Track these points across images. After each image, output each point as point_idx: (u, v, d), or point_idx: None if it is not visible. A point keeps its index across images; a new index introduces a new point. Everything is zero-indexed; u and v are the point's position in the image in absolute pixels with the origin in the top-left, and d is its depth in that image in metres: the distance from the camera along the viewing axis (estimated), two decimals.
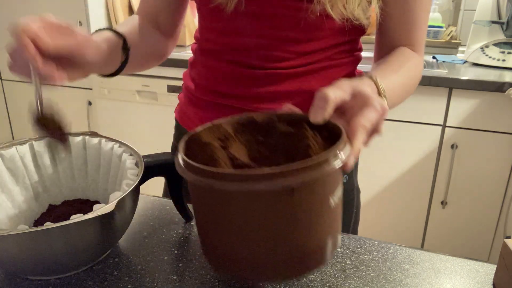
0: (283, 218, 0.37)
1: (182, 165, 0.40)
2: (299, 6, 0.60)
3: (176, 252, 0.55)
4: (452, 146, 1.62)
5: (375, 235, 1.84)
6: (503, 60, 1.74)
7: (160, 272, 0.51)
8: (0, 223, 0.54)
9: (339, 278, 0.50)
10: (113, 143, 0.60)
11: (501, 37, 1.78)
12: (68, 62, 0.53)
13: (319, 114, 0.42)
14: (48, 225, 0.42)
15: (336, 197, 0.40)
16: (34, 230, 0.42)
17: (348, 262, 0.53)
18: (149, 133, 1.99)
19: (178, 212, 0.61)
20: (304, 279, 0.50)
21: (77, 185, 0.63)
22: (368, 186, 1.77)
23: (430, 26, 2.01)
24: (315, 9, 0.58)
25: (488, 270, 0.53)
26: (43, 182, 0.60)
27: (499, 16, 1.77)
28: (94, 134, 0.61)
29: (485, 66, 1.77)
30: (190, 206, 0.62)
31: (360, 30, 0.67)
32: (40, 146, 0.60)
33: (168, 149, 0.84)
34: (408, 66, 0.63)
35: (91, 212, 0.43)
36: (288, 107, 0.50)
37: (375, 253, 0.55)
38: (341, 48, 0.67)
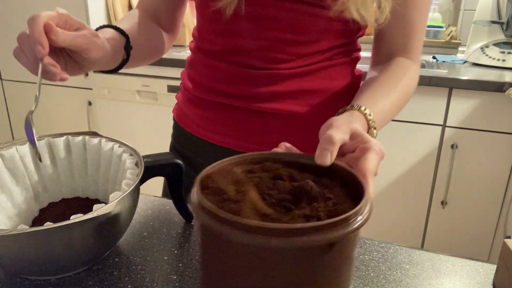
0: (317, 272, 0.35)
1: (217, 222, 0.34)
2: (298, 9, 0.60)
3: (176, 252, 0.55)
4: (452, 146, 1.62)
5: (375, 235, 1.84)
6: (503, 60, 1.74)
7: (160, 272, 0.51)
8: (0, 223, 0.54)
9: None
10: (113, 143, 0.60)
11: (501, 37, 1.78)
12: (71, 56, 0.53)
13: (327, 157, 0.42)
14: (48, 225, 0.42)
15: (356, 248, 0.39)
16: (34, 230, 0.42)
17: None
18: (149, 133, 1.99)
19: (178, 212, 0.61)
20: None
21: (77, 185, 0.63)
22: None
23: (430, 26, 2.01)
24: (332, 14, 0.58)
25: (488, 270, 0.53)
26: (43, 182, 0.60)
27: (499, 16, 1.77)
28: (94, 134, 0.61)
29: (485, 66, 1.77)
30: (190, 206, 0.62)
31: (359, 31, 0.67)
32: (40, 146, 0.60)
33: (168, 149, 0.84)
34: (401, 84, 0.63)
35: (91, 212, 0.43)
36: (285, 146, 0.49)
37: (375, 253, 0.55)
38: (341, 49, 0.67)
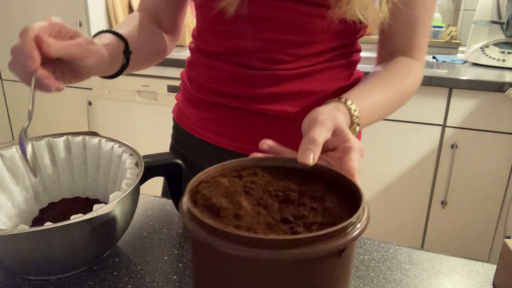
0: (328, 280, 0.35)
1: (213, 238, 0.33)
2: (300, 10, 0.60)
3: (176, 252, 0.55)
4: (452, 146, 1.62)
5: (375, 235, 1.84)
6: (503, 60, 1.74)
7: (160, 272, 0.51)
8: (0, 223, 0.54)
9: None
10: (113, 143, 0.60)
11: (501, 37, 1.78)
12: (68, 65, 0.53)
13: (309, 157, 0.43)
14: (48, 225, 0.42)
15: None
16: (34, 230, 0.42)
17: None
18: (149, 133, 1.99)
19: (178, 212, 0.61)
20: None
21: (77, 185, 0.63)
22: (368, 186, 1.77)
23: None
24: (334, 15, 0.58)
25: (488, 270, 0.53)
26: (43, 182, 0.60)
27: (499, 16, 1.77)
28: (94, 134, 0.61)
29: (485, 66, 1.77)
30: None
31: (359, 31, 0.67)
32: (40, 146, 0.60)
33: (168, 149, 0.84)
34: (398, 82, 0.63)
35: (91, 212, 0.43)
36: (267, 144, 0.49)
37: (375, 253, 0.55)
38: (341, 50, 0.67)
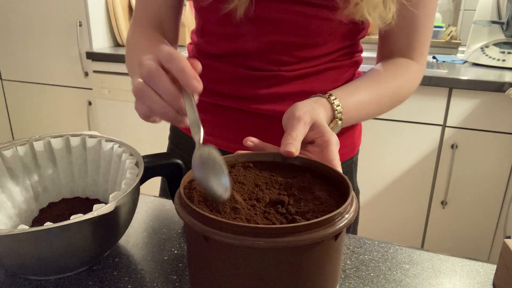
0: (327, 264, 0.36)
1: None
2: (306, 12, 0.59)
3: (176, 252, 0.55)
4: (452, 146, 1.62)
5: (375, 235, 1.84)
6: (503, 60, 1.74)
7: (160, 272, 0.51)
8: (0, 223, 0.54)
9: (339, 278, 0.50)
10: (113, 143, 0.60)
11: (501, 37, 1.78)
12: None
13: (292, 149, 0.45)
14: (48, 225, 0.42)
15: None
16: (34, 230, 0.42)
17: (348, 262, 0.53)
18: (149, 133, 1.99)
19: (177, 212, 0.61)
20: None
21: (77, 185, 0.63)
22: (368, 186, 1.77)
23: None
24: (342, 17, 0.59)
25: (488, 270, 0.53)
26: (43, 182, 0.60)
27: (499, 16, 1.77)
28: (94, 134, 0.61)
29: (485, 66, 1.77)
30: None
31: (361, 32, 0.67)
32: (40, 146, 0.60)
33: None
34: (390, 82, 0.64)
35: (91, 212, 0.43)
36: (251, 141, 0.50)
37: (375, 253, 0.55)
38: (343, 52, 0.67)
